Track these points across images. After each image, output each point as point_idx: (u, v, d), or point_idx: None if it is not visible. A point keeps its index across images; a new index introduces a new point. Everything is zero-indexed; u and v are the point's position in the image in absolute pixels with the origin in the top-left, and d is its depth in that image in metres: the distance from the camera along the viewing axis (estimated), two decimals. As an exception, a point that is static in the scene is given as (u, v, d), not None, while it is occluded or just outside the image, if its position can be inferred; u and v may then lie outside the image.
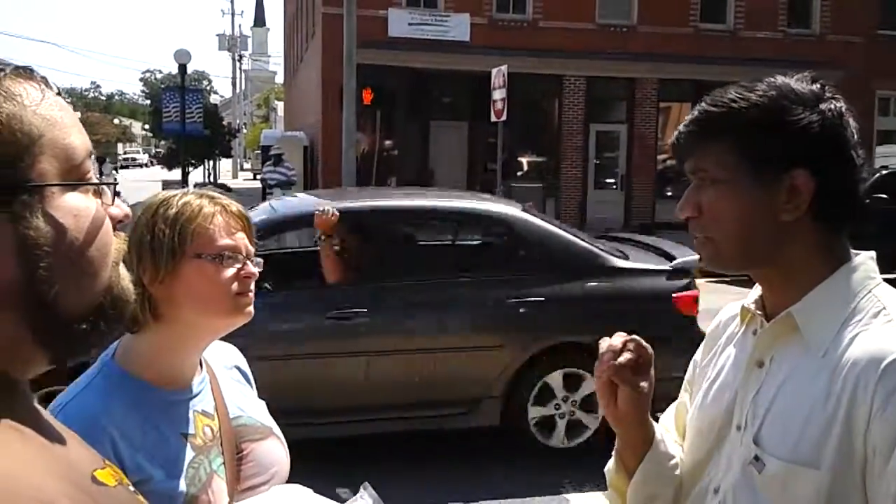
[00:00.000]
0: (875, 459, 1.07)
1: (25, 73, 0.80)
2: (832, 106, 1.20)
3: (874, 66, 21.24)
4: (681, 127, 1.28)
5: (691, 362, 1.49)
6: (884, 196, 12.21)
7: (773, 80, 1.23)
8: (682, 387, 1.50)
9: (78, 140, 0.81)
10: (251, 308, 1.46)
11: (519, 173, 21.08)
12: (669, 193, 22.33)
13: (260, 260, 1.49)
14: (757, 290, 1.33)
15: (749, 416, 1.24)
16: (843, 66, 20.52)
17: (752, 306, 1.32)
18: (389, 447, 5.47)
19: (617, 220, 21.47)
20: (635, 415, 1.30)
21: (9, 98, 0.76)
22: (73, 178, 0.80)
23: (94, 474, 0.81)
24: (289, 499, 1.40)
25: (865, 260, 1.24)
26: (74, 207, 0.79)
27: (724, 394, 1.31)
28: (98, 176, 0.84)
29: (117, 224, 0.85)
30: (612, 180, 21.99)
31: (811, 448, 1.13)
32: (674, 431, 1.46)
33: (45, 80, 0.82)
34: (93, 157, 0.84)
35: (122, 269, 0.86)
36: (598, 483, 5.06)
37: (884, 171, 13.39)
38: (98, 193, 0.82)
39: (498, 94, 13.28)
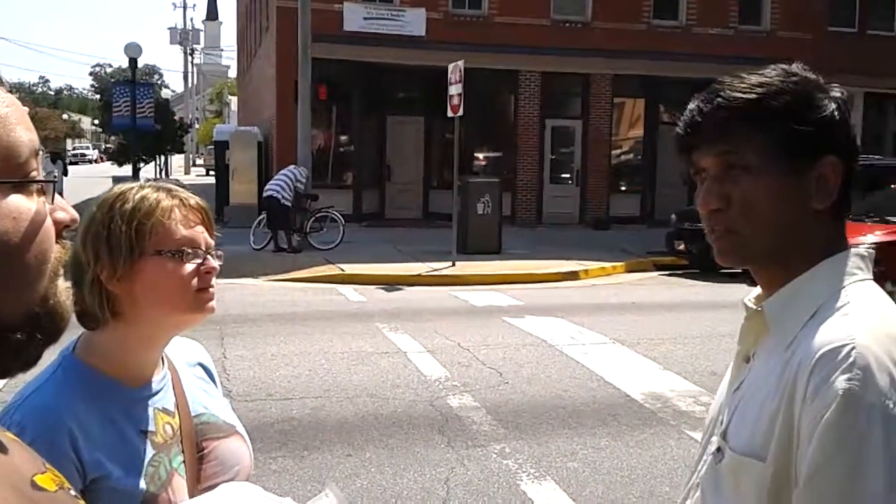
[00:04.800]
0: (801, 448, 1.06)
1: None
2: (840, 94, 1.21)
3: (823, 62, 21.45)
4: (693, 115, 1.21)
5: None
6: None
7: (781, 67, 1.22)
8: None
9: (24, 137, 0.77)
10: (213, 303, 1.44)
11: (475, 168, 21.13)
12: (623, 188, 22.60)
13: (221, 253, 1.46)
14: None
15: (726, 410, 1.24)
16: (792, 63, 20.89)
17: (751, 302, 1.29)
18: (355, 443, 5.47)
19: (572, 215, 21.65)
20: None
21: None
22: (15, 177, 0.75)
23: (33, 479, 0.79)
24: (237, 497, 1.39)
25: (853, 256, 1.20)
26: (14, 209, 0.74)
27: (720, 394, 1.33)
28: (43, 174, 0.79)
29: (63, 229, 0.81)
30: (568, 175, 22.16)
31: (760, 441, 1.12)
32: None
33: None
34: (40, 155, 0.80)
35: (62, 282, 0.81)
36: (555, 478, 5.09)
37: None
38: (42, 193, 0.78)
39: (454, 90, 13.28)
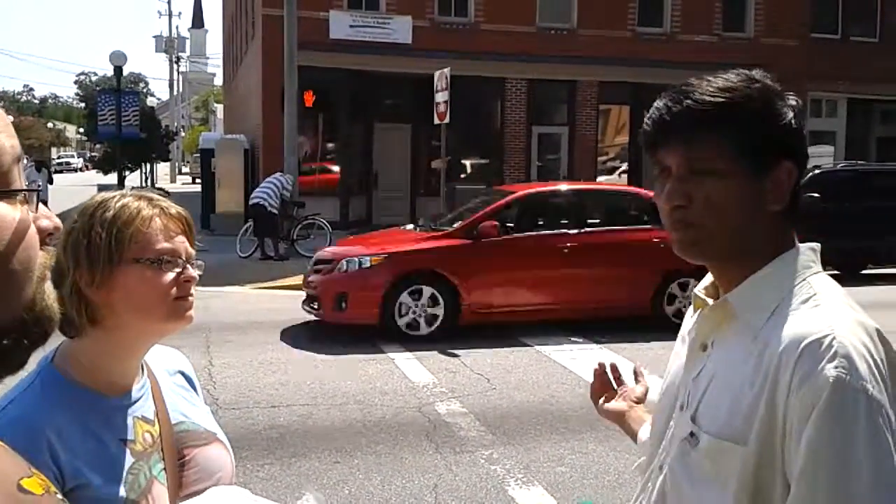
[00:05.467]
0: (791, 436, 1.13)
1: None
2: (795, 102, 1.26)
3: (807, 68, 21.86)
4: (662, 114, 1.25)
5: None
6: (816, 195, 12.57)
7: (743, 73, 1.26)
8: None
9: (6, 145, 0.77)
10: (191, 312, 1.44)
11: (462, 175, 21.16)
12: (610, 194, 22.68)
13: (201, 263, 1.47)
14: (709, 277, 1.38)
15: (689, 396, 1.30)
16: (776, 69, 21.06)
17: (702, 293, 1.36)
18: (342, 450, 5.45)
19: (559, 221, 21.70)
20: (615, 420, 1.73)
21: None
22: None
23: (20, 483, 0.79)
24: (226, 500, 1.39)
25: (806, 250, 1.29)
26: None
27: (672, 380, 1.38)
28: (26, 183, 0.80)
29: (47, 237, 0.82)
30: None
31: (740, 425, 1.18)
32: None
33: None
34: (22, 163, 0.80)
35: (49, 286, 0.82)
36: (543, 482, 5.09)
37: (816, 171, 13.80)
38: (26, 201, 0.79)
39: (441, 97, 13.30)
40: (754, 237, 1.25)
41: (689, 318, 1.46)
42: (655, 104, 1.27)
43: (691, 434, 1.25)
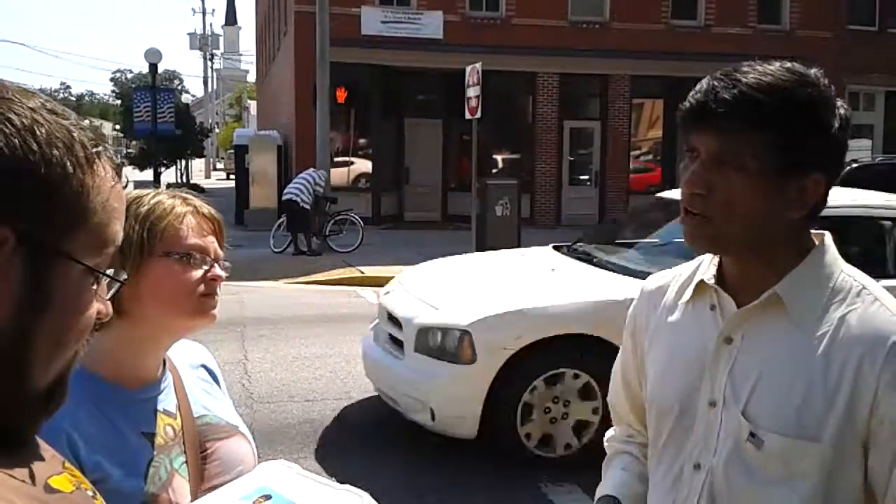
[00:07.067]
0: (882, 431, 1.16)
1: (111, 157, 0.84)
2: (845, 111, 1.22)
3: (844, 61, 21.50)
4: (707, 97, 1.20)
5: (630, 316, 1.51)
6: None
7: (798, 71, 1.21)
8: (626, 338, 1.53)
9: (116, 231, 0.84)
10: (216, 311, 1.46)
11: (494, 170, 21.12)
12: (643, 189, 22.50)
13: (228, 264, 1.49)
14: (709, 266, 1.35)
15: (727, 392, 1.26)
16: (813, 62, 20.74)
17: (712, 282, 1.33)
18: (376, 444, 5.49)
19: (592, 217, 21.59)
20: None
21: (94, 175, 0.80)
22: (93, 264, 0.82)
23: (47, 482, 0.81)
24: (275, 475, 1.39)
25: (829, 241, 1.29)
26: (77, 288, 0.81)
27: (685, 370, 1.33)
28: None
29: (97, 319, 0.86)
30: (587, 177, 22.09)
31: (812, 422, 1.18)
32: (624, 386, 1.55)
33: (120, 168, 0.86)
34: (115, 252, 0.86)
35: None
36: (577, 480, 5.06)
37: (854, 165, 13.58)
38: (98, 282, 0.84)
39: (472, 92, 13.28)
40: (774, 236, 1.24)
41: (655, 297, 1.43)
42: (704, 82, 1.24)
43: (752, 435, 1.22)
